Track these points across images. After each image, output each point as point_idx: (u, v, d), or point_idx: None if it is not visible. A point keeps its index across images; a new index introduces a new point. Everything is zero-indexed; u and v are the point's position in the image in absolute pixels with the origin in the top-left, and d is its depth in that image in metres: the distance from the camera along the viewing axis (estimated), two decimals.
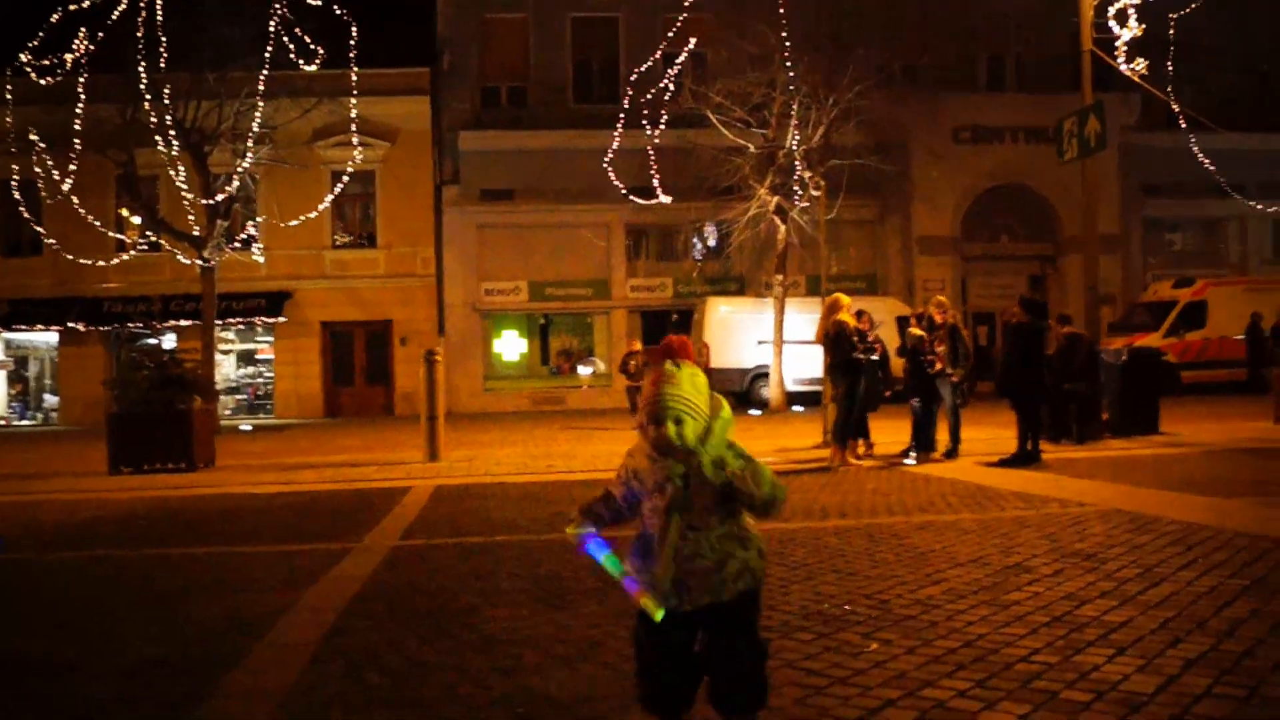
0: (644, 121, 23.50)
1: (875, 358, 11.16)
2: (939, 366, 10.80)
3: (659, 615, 2.41)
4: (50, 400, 29.83)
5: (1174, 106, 18.76)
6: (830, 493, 8.44)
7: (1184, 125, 22.57)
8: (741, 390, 25.30)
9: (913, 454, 10.87)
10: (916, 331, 10.88)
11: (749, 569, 2.48)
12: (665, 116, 22.97)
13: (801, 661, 3.63)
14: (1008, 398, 10.14)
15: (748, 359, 25.31)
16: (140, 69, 20.29)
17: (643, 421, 2.48)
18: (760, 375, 25.20)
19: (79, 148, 21.73)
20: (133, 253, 26.41)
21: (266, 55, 20.82)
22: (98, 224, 25.79)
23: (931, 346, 10.86)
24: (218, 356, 24.92)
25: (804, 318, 22.23)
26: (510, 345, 30.65)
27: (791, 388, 24.48)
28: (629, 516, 2.57)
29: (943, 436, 11.07)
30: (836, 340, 10.64)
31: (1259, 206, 28.94)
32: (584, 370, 30.58)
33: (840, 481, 9.28)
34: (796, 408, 23.73)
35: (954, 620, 4.16)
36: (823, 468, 10.49)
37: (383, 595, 4.92)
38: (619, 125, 24.36)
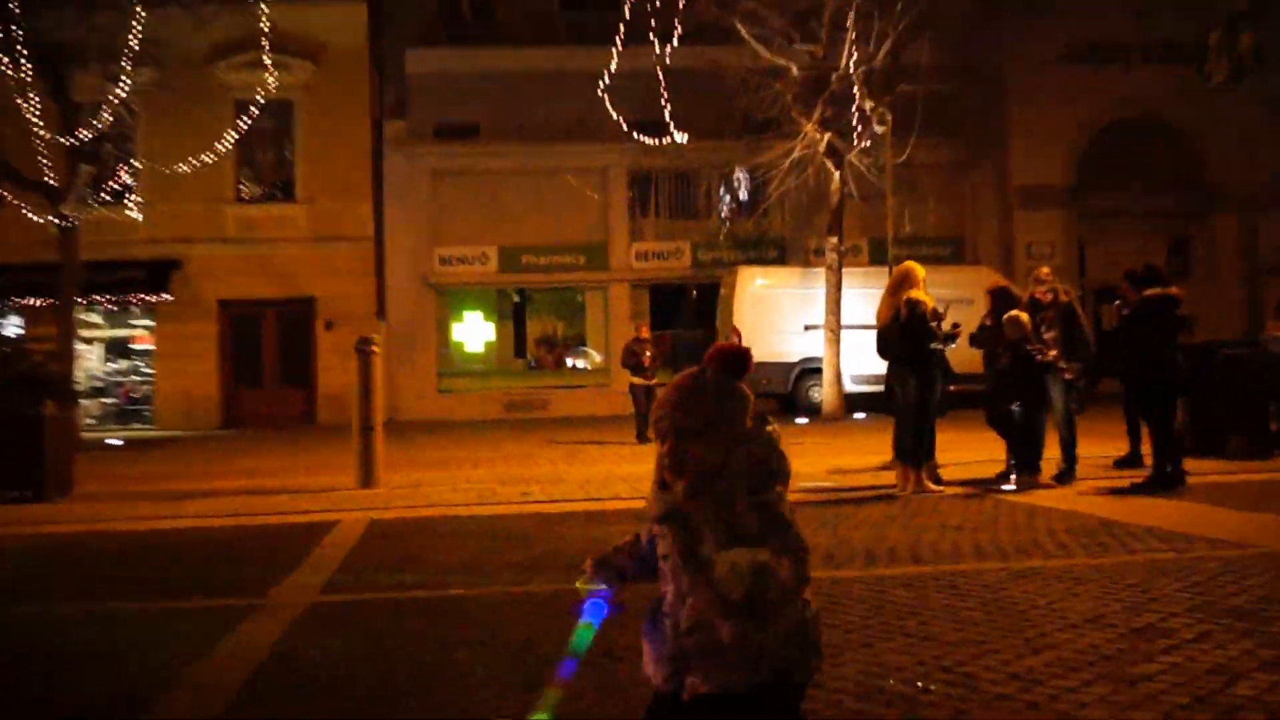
0: (652, 36, 22.99)
1: (954, 346, 11.14)
2: (1051, 356, 10.81)
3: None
4: None
5: None
6: (900, 529, 8.44)
7: None
8: (785, 392, 25.68)
9: (1013, 476, 10.92)
10: (1023, 318, 10.91)
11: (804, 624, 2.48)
12: (680, 29, 22.58)
13: None
14: (1134, 402, 10.31)
15: (792, 350, 25.61)
16: None
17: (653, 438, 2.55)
18: (809, 371, 25.52)
19: None
20: None
21: None
22: None
23: (1038, 333, 10.92)
24: (79, 346, 24.73)
25: (867, 294, 21.96)
26: (474, 332, 30.88)
27: (851, 388, 24.67)
28: (651, 567, 2.63)
29: (1052, 453, 11.09)
30: (909, 325, 10.64)
31: None
32: (575, 364, 30.92)
33: (913, 514, 9.26)
34: (857, 415, 23.91)
35: (1061, 700, 4.18)
36: (888, 495, 10.52)
37: (290, 679, 4.86)
38: (619, 40, 23.61)
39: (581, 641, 2.61)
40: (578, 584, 2.67)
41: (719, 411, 2.54)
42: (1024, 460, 10.80)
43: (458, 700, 4.41)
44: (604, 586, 2.68)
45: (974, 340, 11.52)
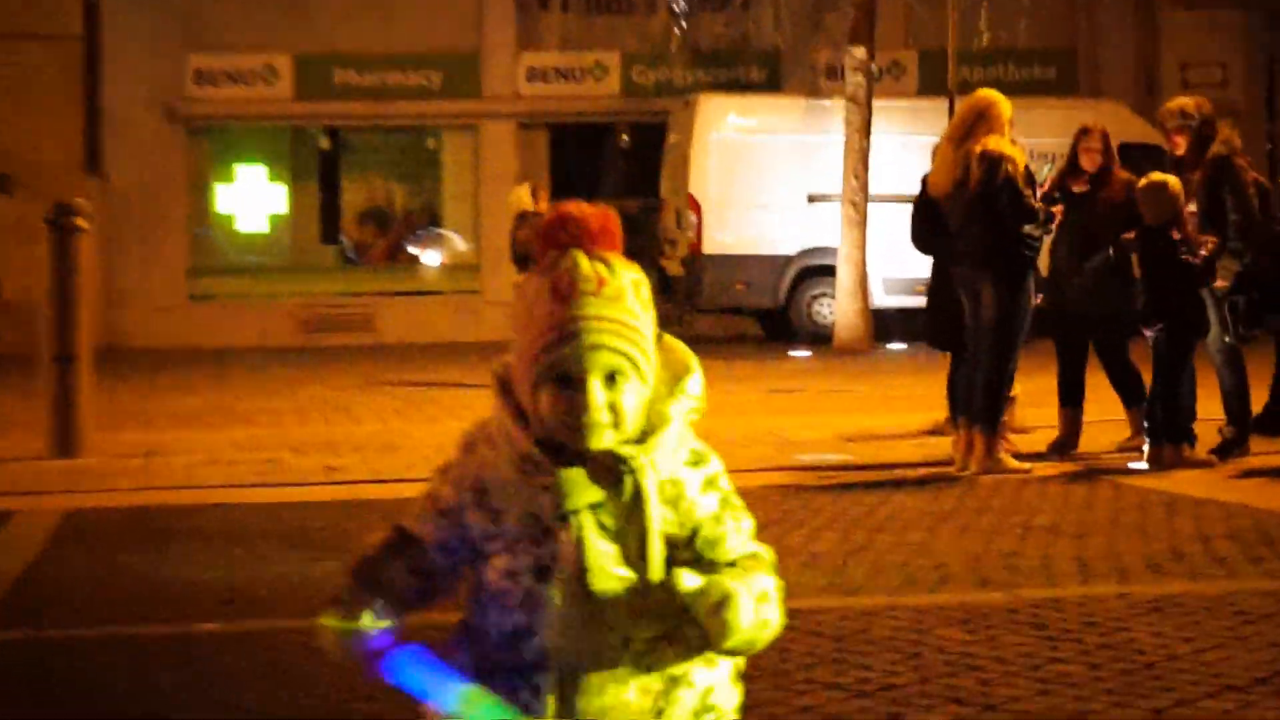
0: None
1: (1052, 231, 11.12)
2: (1207, 252, 10.54)
3: None
4: None
5: None
6: (957, 531, 8.39)
7: None
8: (775, 306, 24.38)
9: (1144, 449, 10.70)
10: (1172, 185, 10.56)
11: (711, 709, 2.59)
12: None
13: None
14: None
15: (787, 236, 24.13)
16: None
17: (507, 374, 2.58)
18: (814, 272, 24.07)
19: None
20: None
21: None
22: None
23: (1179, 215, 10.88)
24: None
25: (913, 143, 20.71)
26: (252, 200, 29.48)
27: (883, 301, 23.52)
28: (446, 587, 2.63)
29: (1208, 413, 11.08)
30: (986, 196, 10.39)
31: None
32: (423, 256, 29.59)
33: (980, 508, 9.13)
34: (894, 345, 22.81)
35: None
36: (940, 476, 10.45)
37: None
38: None
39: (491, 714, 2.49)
40: (325, 621, 2.54)
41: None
42: (1164, 422, 10.61)
43: None
44: (377, 623, 2.53)
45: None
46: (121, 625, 6.57)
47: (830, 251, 23.15)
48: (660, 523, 2.50)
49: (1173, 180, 10.72)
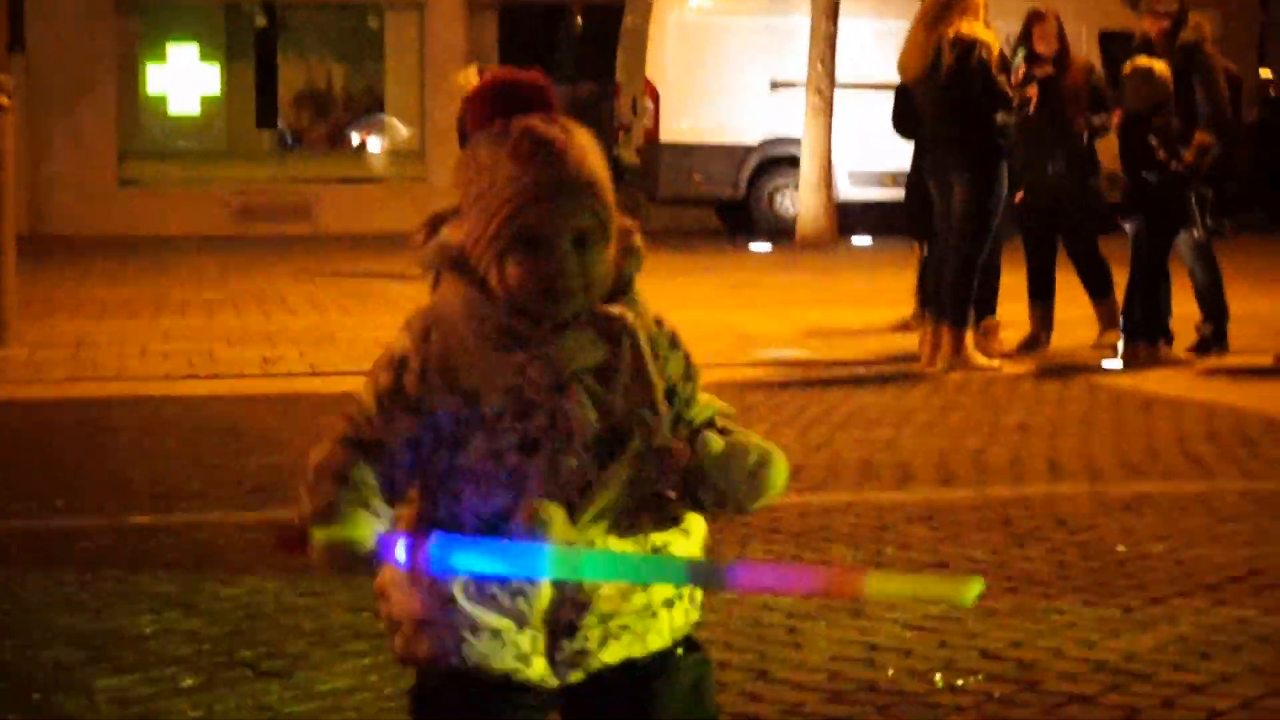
0: None
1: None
2: (1192, 157, 10.46)
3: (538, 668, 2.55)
4: None
5: None
6: (923, 430, 8.42)
7: None
8: (735, 196, 24.10)
9: (1120, 345, 10.70)
10: (1159, 70, 10.46)
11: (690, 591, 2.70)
12: None
13: None
14: None
15: (748, 125, 23.68)
16: None
17: (457, 254, 2.59)
18: (776, 163, 23.77)
19: None
20: None
21: None
22: None
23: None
24: None
25: (882, 29, 20.87)
26: (184, 80, 28.89)
27: (849, 193, 23.35)
28: (403, 489, 2.60)
29: (1187, 311, 11.12)
30: (959, 81, 10.23)
31: None
32: (361, 142, 29.27)
33: (948, 405, 9.19)
34: (859, 239, 22.76)
35: (1179, 707, 4.16)
36: (907, 373, 10.48)
37: None
38: None
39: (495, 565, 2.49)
40: (316, 534, 2.48)
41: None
42: (1142, 320, 10.59)
43: None
44: (373, 521, 2.50)
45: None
46: (51, 518, 6.51)
47: (794, 141, 22.96)
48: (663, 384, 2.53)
49: (1159, 65, 10.62)
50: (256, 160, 28.12)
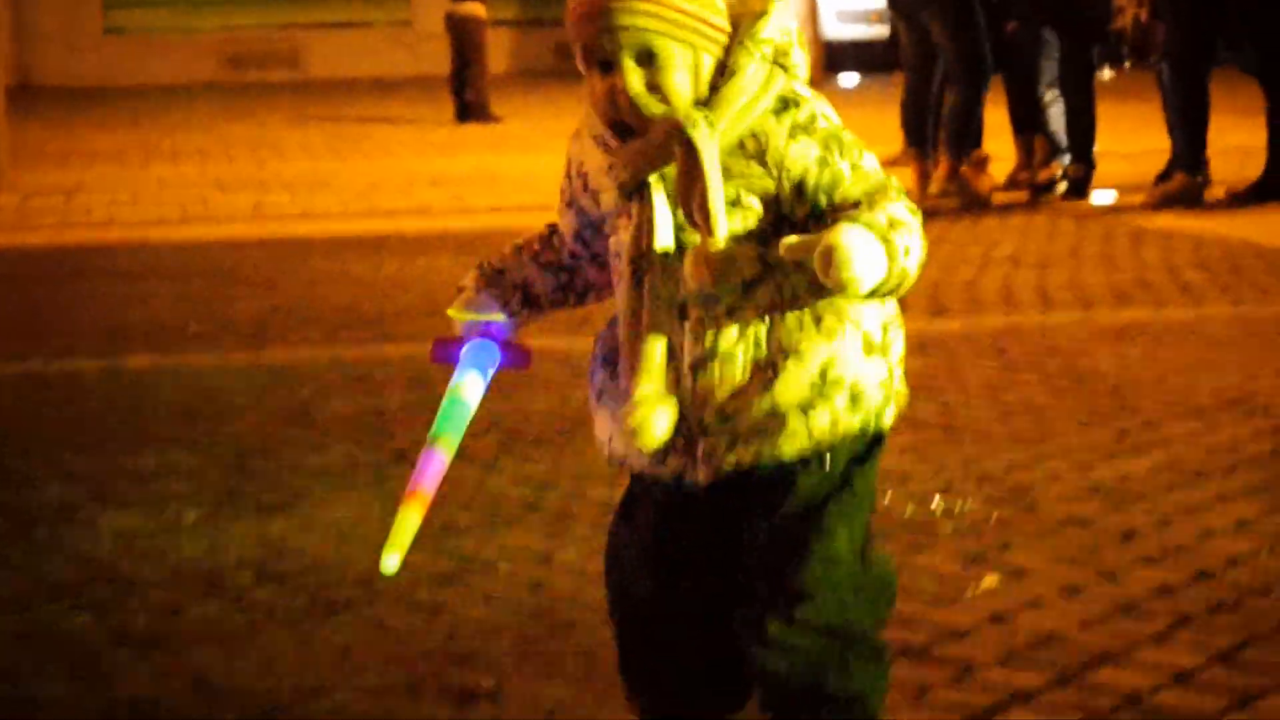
0: None
1: None
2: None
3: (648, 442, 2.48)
4: None
5: None
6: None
7: None
8: None
9: (1065, 167, 10.64)
10: None
11: (848, 393, 2.53)
12: None
13: None
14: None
15: None
16: None
17: None
18: None
19: None
20: None
21: None
22: None
23: None
24: None
25: None
26: None
27: (835, 32, 23.32)
28: (585, 282, 2.72)
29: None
30: None
31: None
32: None
33: (937, 235, 8.92)
34: (845, 77, 22.68)
35: (1175, 525, 4.13)
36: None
37: None
38: None
39: (449, 420, 2.49)
40: (450, 311, 2.69)
41: None
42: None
43: None
44: (495, 315, 2.65)
45: None
46: (46, 359, 6.48)
47: None
48: (720, 182, 2.43)
49: None
50: (243, 5, 27.65)
